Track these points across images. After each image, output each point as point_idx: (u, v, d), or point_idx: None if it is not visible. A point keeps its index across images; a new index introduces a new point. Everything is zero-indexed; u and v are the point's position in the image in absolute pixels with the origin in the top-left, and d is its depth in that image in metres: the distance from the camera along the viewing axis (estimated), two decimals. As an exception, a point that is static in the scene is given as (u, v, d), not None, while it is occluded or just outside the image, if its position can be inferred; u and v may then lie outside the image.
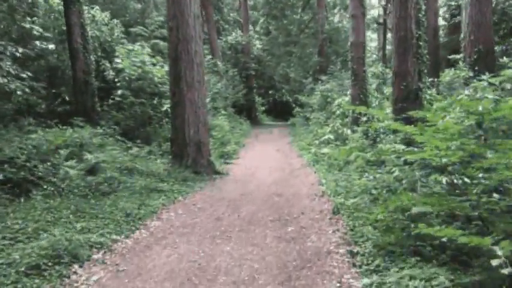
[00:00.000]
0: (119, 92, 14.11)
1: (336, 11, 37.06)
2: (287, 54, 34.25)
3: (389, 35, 31.96)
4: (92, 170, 8.71)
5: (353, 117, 14.13)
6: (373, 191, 7.36)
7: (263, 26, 39.79)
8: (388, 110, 11.34)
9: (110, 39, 16.44)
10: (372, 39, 45.88)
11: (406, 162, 7.25)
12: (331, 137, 14.77)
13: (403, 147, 7.61)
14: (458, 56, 14.32)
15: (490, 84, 8.92)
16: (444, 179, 5.24)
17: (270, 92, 39.90)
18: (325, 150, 13.11)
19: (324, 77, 24.84)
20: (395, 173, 7.18)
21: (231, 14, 38.82)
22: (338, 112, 16.68)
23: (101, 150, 10.00)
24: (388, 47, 31.96)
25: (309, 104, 25.65)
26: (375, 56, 38.56)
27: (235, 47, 32.90)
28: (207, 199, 8.77)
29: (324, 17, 31.04)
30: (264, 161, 14.29)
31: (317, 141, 16.01)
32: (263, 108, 39.01)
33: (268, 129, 29.05)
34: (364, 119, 13.10)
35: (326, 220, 6.89)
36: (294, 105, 33.46)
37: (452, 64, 16.36)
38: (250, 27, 37.45)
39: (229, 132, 18.11)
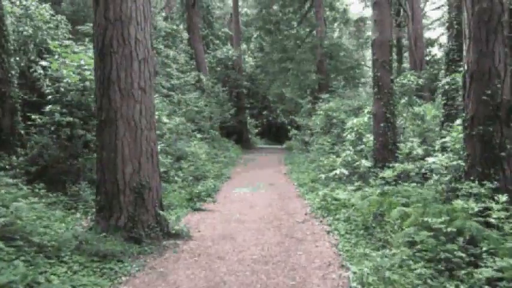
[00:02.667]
0: (48, 108, 9.59)
1: (335, 25, 33.01)
2: (282, 71, 29.96)
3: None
4: None
5: (380, 144, 9.64)
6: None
7: (256, 43, 35.69)
8: (447, 138, 6.91)
9: (50, 40, 11.96)
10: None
11: None
12: (344, 171, 10.23)
13: None
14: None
15: None
16: None
17: (264, 112, 35.55)
18: (341, 195, 8.55)
19: (324, 95, 20.45)
20: None
21: (223, 29, 34.69)
22: (350, 137, 12.19)
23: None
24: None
25: (308, 127, 21.25)
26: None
27: (225, 63, 28.63)
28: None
29: (323, 30, 26.91)
30: (252, 206, 9.71)
31: (323, 176, 11.48)
32: (256, 130, 34.58)
33: (261, 154, 24.49)
34: (406, 149, 8.61)
35: None
36: (289, 127, 29.14)
37: None
38: (244, 45, 33.35)
39: (208, 162, 13.56)
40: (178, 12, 32.16)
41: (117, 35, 6.45)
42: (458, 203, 5.26)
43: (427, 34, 33.47)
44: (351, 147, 12.05)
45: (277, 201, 10.33)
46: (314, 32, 28.92)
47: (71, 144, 9.03)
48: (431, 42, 28.57)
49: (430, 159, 7.17)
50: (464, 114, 5.83)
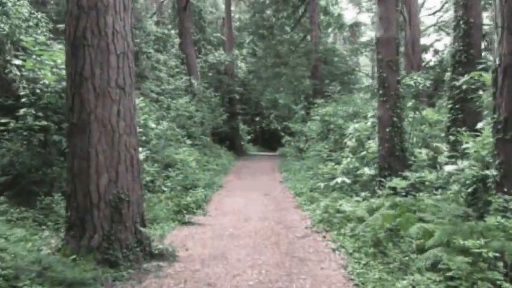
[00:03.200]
0: (21, 111, 8.62)
1: (330, 30, 32.34)
2: (275, 76, 29.17)
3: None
4: None
5: (386, 150, 8.76)
6: None
7: (249, 48, 34.89)
8: (470, 144, 6.06)
9: (26, 39, 10.98)
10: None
11: None
12: (346, 179, 9.34)
13: None
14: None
15: None
16: None
17: (257, 119, 34.70)
18: (345, 206, 7.66)
19: (319, 101, 19.62)
20: None
21: (215, 34, 33.85)
22: (350, 143, 11.33)
23: None
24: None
25: (303, 133, 20.41)
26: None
27: (217, 68, 27.76)
28: None
29: (317, 35, 26.21)
30: (246, 219, 8.80)
31: (322, 184, 10.60)
32: (248, 136, 33.71)
33: (254, 161, 23.58)
34: (424, 154, 7.76)
35: None
36: (282, 133, 28.31)
37: None
38: (236, 51, 32.53)
39: (199, 170, 12.62)
40: (170, 17, 31.32)
41: (91, 25, 5.53)
42: (494, 219, 4.39)
43: (422, 40, 32.90)
44: (351, 154, 11.20)
45: (273, 213, 9.42)
46: (308, 37, 28.23)
47: (45, 152, 8.06)
48: (425, 48, 27.95)
49: (448, 167, 6.31)
50: (495, 116, 4.99)
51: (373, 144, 9.71)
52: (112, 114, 5.58)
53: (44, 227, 6.62)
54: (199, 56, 27.01)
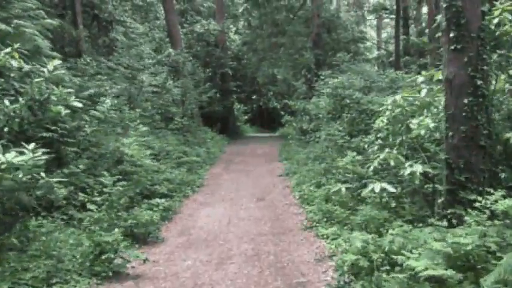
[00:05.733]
0: None
1: (332, -5, 27.94)
2: (273, 48, 24.98)
3: None
4: None
5: (462, 137, 4.78)
6: None
7: (244, 20, 30.50)
8: None
9: None
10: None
11: None
12: (390, 188, 5.38)
13: None
14: None
15: None
16: None
17: (253, 97, 30.60)
18: (407, 248, 3.74)
19: (326, 72, 15.50)
20: None
21: (205, 4, 29.41)
22: (381, 123, 7.32)
23: None
24: None
25: (306, 111, 16.40)
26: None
27: (207, 40, 23.55)
28: None
29: (320, -2, 21.93)
30: (221, 260, 4.97)
31: (343, 188, 6.65)
32: (245, 117, 29.69)
33: (251, 145, 19.65)
34: None
35: None
36: (282, 112, 24.34)
37: None
38: (229, 23, 28.18)
39: (166, 166, 8.69)
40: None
41: None
42: None
43: None
44: (380, 141, 7.27)
45: (270, 242, 5.58)
46: (308, 2, 23.93)
47: None
48: None
49: None
50: None
51: (429, 122, 5.73)
52: None
53: None
54: (185, 25, 22.79)
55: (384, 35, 36.12)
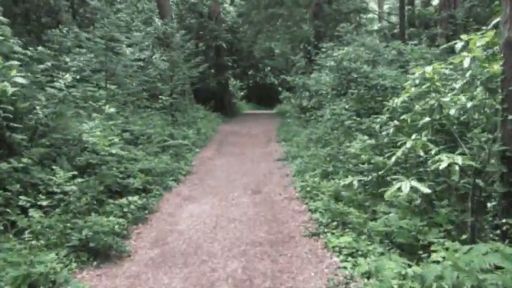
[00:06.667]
0: None
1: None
2: (269, 19, 23.22)
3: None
4: None
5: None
6: None
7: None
8: None
9: None
10: None
11: None
12: (423, 188, 4.04)
13: None
14: None
15: None
16: None
17: (250, 72, 28.93)
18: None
19: (328, 44, 13.93)
20: None
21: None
22: (400, 102, 5.91)
23: None
24: None
25: (306, 87, 14.98)
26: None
27: (199, 11, 21.78)
28: None
29: (320, -36, 20.11)
30: (208, 277, 3.67)
31: (356, 183, 5.32)
32: (241, 93, 28.14)
33: (247, 123, 18.27)
34: None
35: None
36: (280, 88, 22.82)
37: None
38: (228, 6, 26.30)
39: (143, 153, 7.30)
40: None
41: None
42: None
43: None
44: (395, 122, 5.90)
45: (266, 257, 4.29)
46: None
47: None
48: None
49: None
50: None
51: (464, 100, 4.38)
52: None
53: None
54: (176, -6, 21.00)
55: (385, 7, 34.24)
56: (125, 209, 5.24)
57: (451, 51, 5.31)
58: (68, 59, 8.37)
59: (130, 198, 5.49)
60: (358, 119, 8.12)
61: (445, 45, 6.31)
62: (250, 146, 11.72)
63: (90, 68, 9.60)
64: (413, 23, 22.46)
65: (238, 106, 26.06)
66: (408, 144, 4.51)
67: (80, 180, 4.73)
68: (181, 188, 7.26)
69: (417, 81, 4.91)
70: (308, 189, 6.50)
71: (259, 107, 29.31)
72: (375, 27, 29.41)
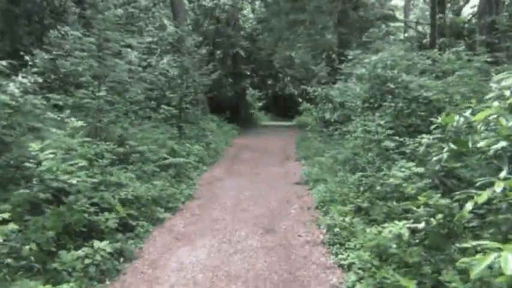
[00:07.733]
0: None
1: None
2: (291, 27, 21.74)
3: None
4: None
5: None
6: None
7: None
8: None
9: None
10: None
11: None
12: None
13: None
14: None
15: None
16: None
17: (269, 81, 27.46)
18: None
19: (355, 52, 12.31)
20: None
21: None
22: (465, 126, 4.31)
23: None
24: None
25: (329, 98, 13.35)
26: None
27: (217, 16, 20.51)
28: None
29: (346, -33, 18.62)
30: None
31: (406, 233, 3.72)
32: (260, 103, 26.66)
33: (263, 136, 16.75)
34: None
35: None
36: (300, 99, 21.24)
37: None
38: (246, 2, 24.98)
39: (137, 177, 5.84)
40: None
41: None
42: None
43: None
44: (459, 147, 4.29)
45: None
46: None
47: None
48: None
49: None
50: None
51: None
52: None
53: None
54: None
55: (411, 16, 32.49)
56: (87, 261, 3.76)
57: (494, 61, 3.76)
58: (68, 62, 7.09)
59: (98, 243, 4.00)
60: (397, 138, 6.53)
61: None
62: (266, 165, 10.17)
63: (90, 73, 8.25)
64: (443, 33, 20.74)
65: (256, 117, 24.62)
66: (498, 188, 2.91)
67: (13, 224, 3.26)
68: (176, 220, 5.75)
69: (508, 93, 3.32)
70: (337, 229, 4.92)
71: (278, 118, 27.80)
72: (401, 37, 27.71)
